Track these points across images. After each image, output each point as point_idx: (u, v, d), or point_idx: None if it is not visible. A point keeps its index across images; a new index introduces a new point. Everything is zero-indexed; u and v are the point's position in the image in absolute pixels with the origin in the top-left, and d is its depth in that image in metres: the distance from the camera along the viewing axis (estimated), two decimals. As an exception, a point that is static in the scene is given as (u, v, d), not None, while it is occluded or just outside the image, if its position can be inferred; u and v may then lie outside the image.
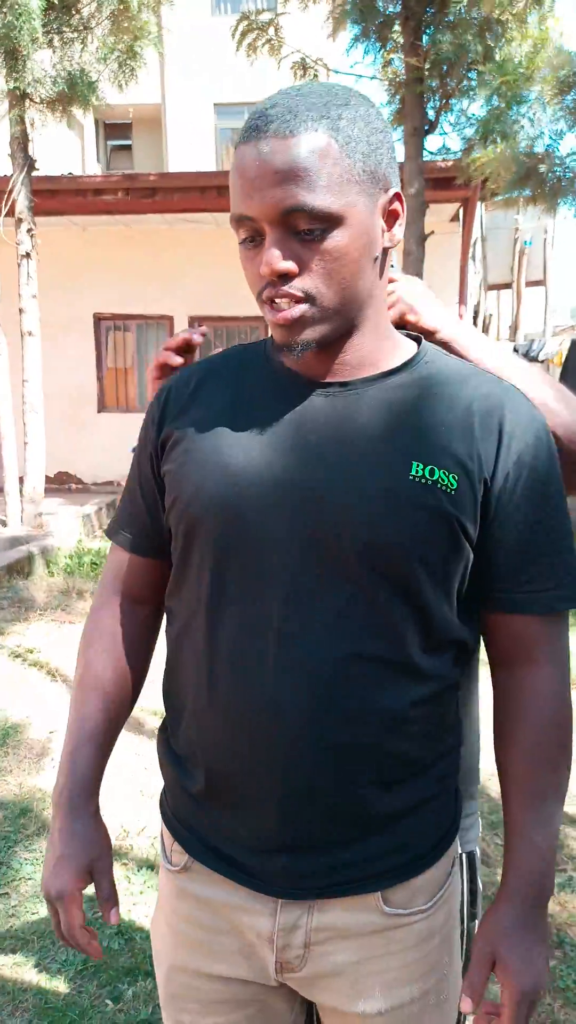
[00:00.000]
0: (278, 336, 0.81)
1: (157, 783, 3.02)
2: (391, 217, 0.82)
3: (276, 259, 0.76)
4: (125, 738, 3.31)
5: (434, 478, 0.79)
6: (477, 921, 1.12)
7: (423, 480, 0.79)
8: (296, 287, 0.77)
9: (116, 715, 0.98)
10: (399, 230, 0.83)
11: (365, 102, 0.80)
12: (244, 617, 0.83)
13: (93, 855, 0.92)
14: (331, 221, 0.75)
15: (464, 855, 1.10)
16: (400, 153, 6.38)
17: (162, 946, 0.97)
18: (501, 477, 0.82)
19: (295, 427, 0.83)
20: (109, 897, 0.92)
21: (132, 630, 0.99)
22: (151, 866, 2.43)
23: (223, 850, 0.89)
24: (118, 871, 2.40)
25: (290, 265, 0.76)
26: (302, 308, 0.78)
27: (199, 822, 0.91)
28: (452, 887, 0.94)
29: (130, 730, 3.39)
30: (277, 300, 0.78)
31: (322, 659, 0.80)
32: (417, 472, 0.79)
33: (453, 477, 0.80)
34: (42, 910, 2.22)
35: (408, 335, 0.93)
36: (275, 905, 0.87)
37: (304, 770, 0.82)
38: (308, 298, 0.78)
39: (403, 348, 0.88)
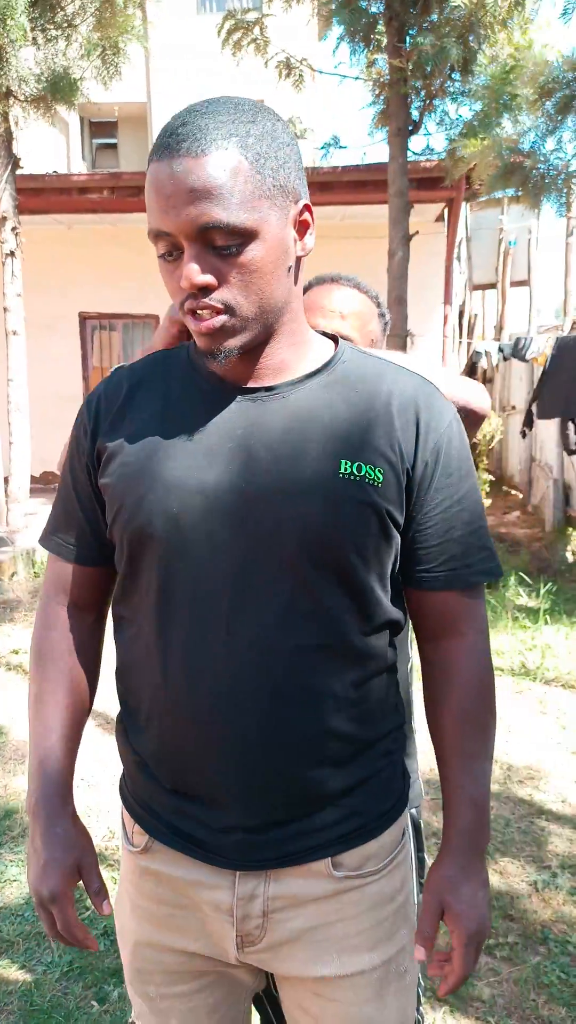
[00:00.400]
0: (202, 344, 0.84)
1: (143, 784, 2.99)
2: (302, 227, 0.86)
3: (195, 273, 0.79)
4: (108, 740, 3.30)
5: (361, 474, 0.84)
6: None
7: (351, 477, 0.84)
8: (216, 299, 0.81)
9: (77, 721, 1.00)
10: (310, 239, 0.87)
11: (271, 116, 0.83)
12: (193, 619, 0.86)
13: (78, 854, 0.95)
14: (246, 236, 0.79)
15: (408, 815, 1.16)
16: (385, 153, 6.40)
17: (127, 923, 1.00)
18: (420, 466, 0.88)
19: (226, 433, 0.86)
20: (99, 891, 0.95)
21: (81, 638, 1.01)
22: (137, 867, 2.43)
23: (182, 829, 0.92)
24: (105, 873, 2.39)
25: (208, 279, 0.80)
26: (223, 319, 0.81)
27: (158, 805, 0.95)
28: (404, 855, 0.99)
29: (112, 734, 3.38)
30: (198, 311, 0.81)
31: (271, 651, 0.85)
32: (345, 469, 0.84)
33: (379, 471, 0.85)
34: (27, 913, 2.21)
35: (324, 334, 0.97)
36: (233, 878, 0.91)
37: (258, 757, 0.86)
38: (228, 309, 0.81)
39: (321, 350, 0.93)
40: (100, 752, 3.18)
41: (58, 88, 6.39)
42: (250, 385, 0.88)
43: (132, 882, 0.99)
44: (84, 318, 9.28)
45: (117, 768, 3.01)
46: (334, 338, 0.96)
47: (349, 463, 0.84)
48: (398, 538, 0.89)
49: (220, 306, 0.81)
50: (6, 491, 6.60)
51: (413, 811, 1.23)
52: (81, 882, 0.95)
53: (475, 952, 0.90)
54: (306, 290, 1.27)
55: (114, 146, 16.50)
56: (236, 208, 0.78)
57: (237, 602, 0.85)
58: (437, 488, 0.89)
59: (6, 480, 6.64)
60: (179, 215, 0.78)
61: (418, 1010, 1.26)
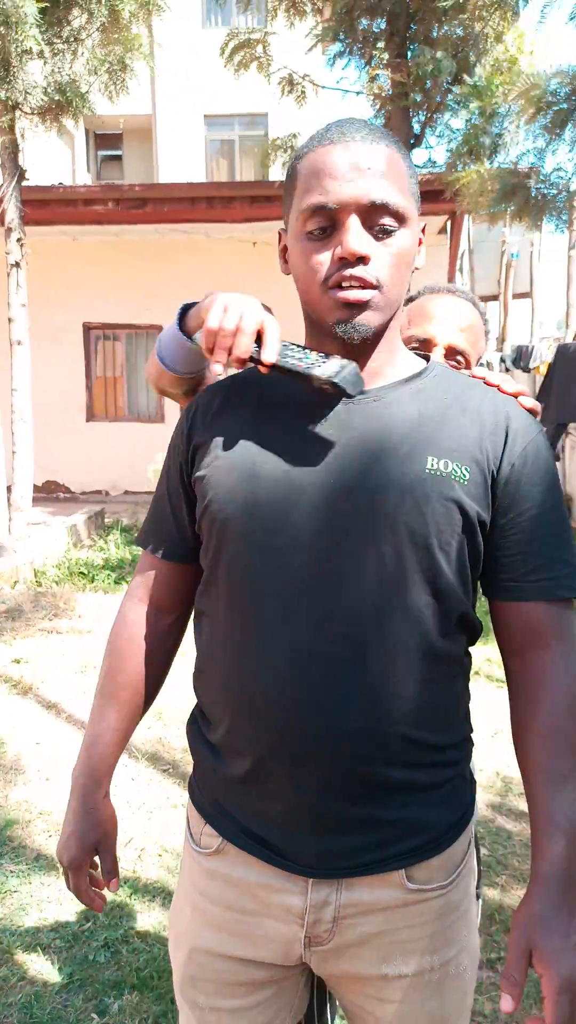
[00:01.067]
0: (342, 316, 0.86)
1: (144, 795, 3.01)
2: (419, 243, 0.93)
3: (362, 242, 0.84)
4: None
5: (448, 471, 0.86)
6: (480, 902, 1.19)
7: (438, 473, 0.86)
8: (370, 273, 0.85)
9: (131, 716, 1.07)
10: (422, 256, 0.94)
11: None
12: (276, 612, 0.88)
13: (100, 833, 1.05)
14: (403, 221, 0.86)
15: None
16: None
17: (184, 929, 1.01)
18: (507, 468, 0.89)
19: (317, 431, 0.90)
20: (111, 870, 1.06)
21: (156, 640, 1.06)
22: (137, 878, 2.42)
23: (257, 832, 0.93)
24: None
25: (369, 250, 0.84)
26: (371, 293, 0.85)
27: (233, 805, 0.96)
28: (468, 866, 0.99)
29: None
30: (347, 283, 0.84)
31: (354, 647, 0.86)
32: (432, 466, 0.86)
33: (465, 469, 0.87)
34: (27, 923, 2.20)
35: (418, 354, 1.02)
36: (306, 884, 0.92)
37: (338, 755, 0.87)
38: (378, 284, 0.85)
39: (412, 362, 0.98)
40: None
41: (65, 101, 6.45)
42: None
43: (196, 885, 1.00)
44: (88, 328, 9.33)
45: (118, 778, 3.01)
46: (426, 356, 1.02)
47: (436, 459, 0.86)
48: (481, 541, 0.89)
49: (373, 280, 0.85)
50: (9, 500, 6.62)
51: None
52: (97, 858, 1.05)
53: (572, 1000, 0.79)
54: (412, 299, 1.26)
55: (119, 158, 16.62)
56: (398, 194, 0.85)
57: (321, 596, 0.86)
58: (524, 495, 0.89)
59: (9, 489, 6.66)
60: (350, 189, 0.83)
61: None
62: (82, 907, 2.28)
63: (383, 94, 6.66)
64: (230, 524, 0.90)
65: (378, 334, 0.91)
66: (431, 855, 0.93)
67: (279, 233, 0.98)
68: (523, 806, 2.86)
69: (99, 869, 1.08)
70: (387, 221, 0.85)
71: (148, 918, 2.24)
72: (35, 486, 7.37)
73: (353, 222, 0.84)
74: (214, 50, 7.70)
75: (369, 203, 0.84)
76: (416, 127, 6.61)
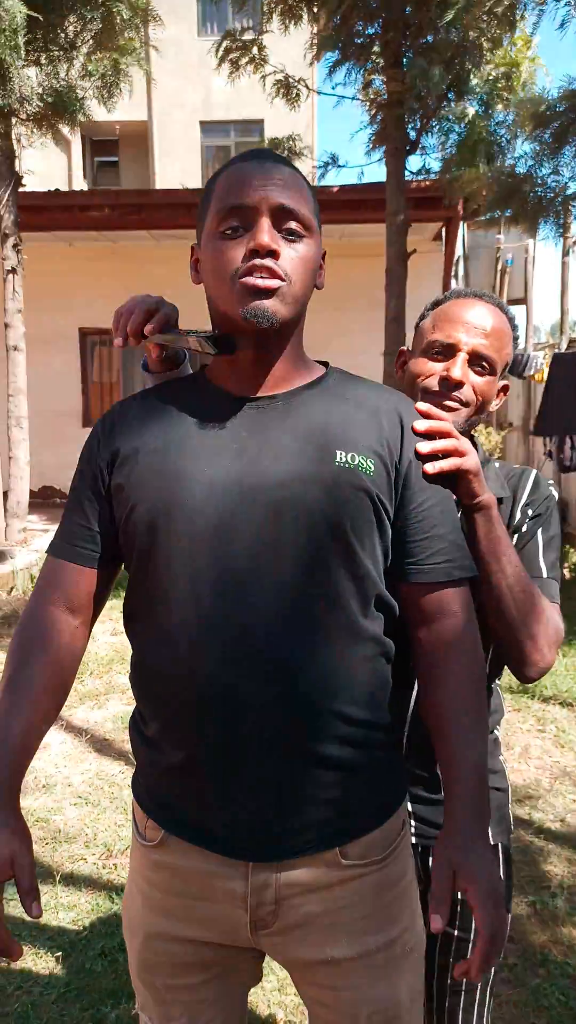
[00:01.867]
0: (251, 304, 0.92)
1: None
2: (321, 267, 1.01)
3: (272, 237, 0.92)
4: (109, 757, 3.29)
5: (355, 463, 0.93)
6: (508, 915, 1.24)
7: (346, 465, 0.93)
8: (279, 266, 0.92)
9: (41, 720, 1.00)
10: (322, 279, 1.02)
11: None
12: (206, 605, 0.92)
13: (14, 850, 0.91)
14: (308, 231, 0.96)
15: (499, 846, 1.23)
16: (382, 173, 6.46)
17: (136, 917, 1.05)
18: (406, 462, 0.98)
19: (232, 434, 0.96)
20: (29, 891, 0.90)
21: (66, 639, 1.03)
22: (135, 886, 2.41)
23: (194, 821, 0.97)
24: (100, 892, 2.38)
25: (278, 246, 0.92)
26: (279, 282, 0.93)
27: (171, 796, 0.99)
28: (403, 842, 1.04)
29: (114, 750, 3.37)
30: (256, 272, 0.91)
31: (282, 631, 0.91)
32: (341, 459, 0.93)
33: (370, 461, 0.95)
34: (23, 930, 2.19)
35: (317, 361, 1.08)
36: (246, 869, 0.95)
37: (272, 735, 0.91)
38: (286, 277, 0.93)
39: (314, 369, 1.06)
40: (102, 768, 3.16)
41: (60, 107, 6.46)
42: (254, 395, 0.99)
43: (144, 876, 1.03)
44: (84, 334, 9.33)
45: (116, 789, 2.99)
46: (324, 363, 1.09)
47: (344, 453, 0.94)
48: (389, 527, 0.97)
49: (281, 272, 0.92)
50: (5, 506, 6.61)
51: (504, 841, 1.24)
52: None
53: (495, 911, 0.89)
54: (439, 303, 1.26)
55: (115, 164, 16.64)
56: (306, 209, 0.96)
57: (248, 585, 0.91)
58: (424, 486, 0.99)
59: (5, 495, 6.65)
60: (266, 192, 0.92)
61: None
62: (79, 916, 2.27)
63: (378, 99, 6.69)
64: (156, 525, 0.94)
65: (284, 329, 0.96)
66: (363, 834, 0.97)
67: (191, 248, 1.06)
68: (520, 812, 2.86)
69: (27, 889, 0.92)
70: (294, 226, 0.94)
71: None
72: (31, 492, 7.35)
73: (264, 221, 0.93)
74: (209, 57, 7.72)
75: (278, 205, 0.93)
76: (412, 134, 6.63)
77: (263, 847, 0.95)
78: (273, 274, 0.92)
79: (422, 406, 1.05)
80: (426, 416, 1.03)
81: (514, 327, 1.25)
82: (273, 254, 0.92)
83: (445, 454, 1.02)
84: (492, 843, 1.23)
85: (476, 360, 1.18)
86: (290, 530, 0.91)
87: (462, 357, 1.17)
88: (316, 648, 0.92)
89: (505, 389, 1.27)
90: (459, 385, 1.16)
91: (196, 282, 1.04)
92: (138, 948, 1.04)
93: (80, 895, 2.37)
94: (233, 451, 0.94)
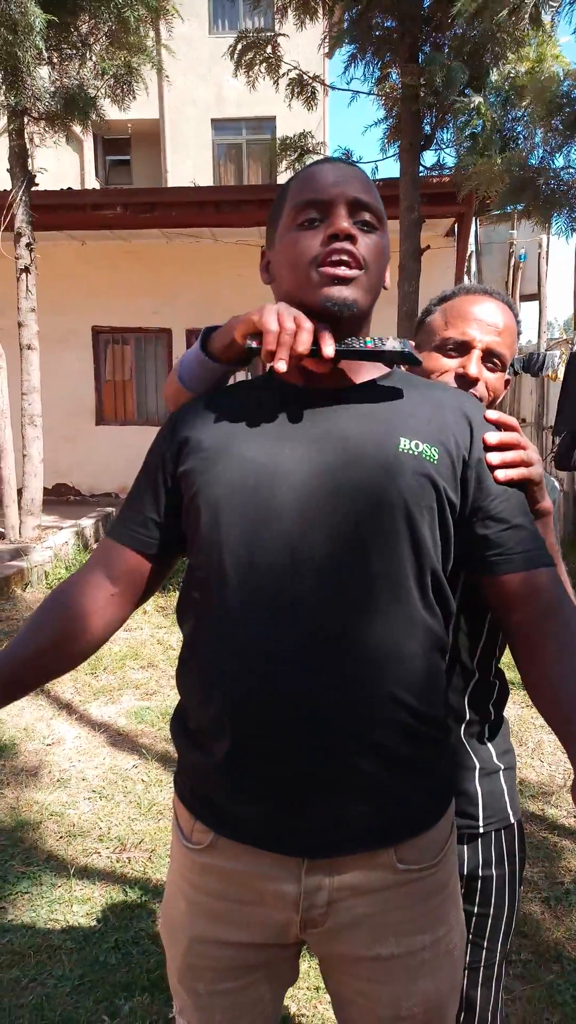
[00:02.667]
0: (330, 291, 0.95)
1: (155, 796, 3.01)
2: (386, 267, 1.03)
3: (350, 223, 0.95)
4: (123, 752, 3.30)
5: (418, 450, 0.94)
6: (521, 888, 1.29)
7: (410, 451, 0.94)
8: (357, 250, 0.95)
9: (52, 656, 1.02)
10: (388, 280, 1.04)
11: None
12: (267, 589, 0.91)
13: None
14: (380, 224, 0.99)
15: (516, 823, 1.26)
16: (395, 169, 6.44)
17: (181, 921, 1.03)
18: (476, 455, 0.98)
19: (297, 421, 0.97)
20: None
21: (98, 604, 1.04)
22: (147, 880, 2.42)
23: (248, 820, 0.95)
24: (114, 886, 2.39)
25: (356, 230, 0.96)
26: (357, 272, 0.95)
27: (220, 794, 0.97)
28: (452, 845, 1.04)
29: (128, 745, 3.39)
30: (336, 256, 0.94)
31: (341, 613, 0.90)
32: (404, 446, 0.94)
33: (434, 450, 0.95)
34: (38, 924, 2.21)
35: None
36: (299, 870, 0.94)
37: (329, 719, 0.90)
38: (363, 265, 0.96)
39: (378, 366, 1.06)
40: (115, 763, 3.18)
41: (74, 106, 6.48)
42: (322, 387, 1.01)
43: (189, 880, 1.02)
44: (97, 332, 9.36)
45: (129, 783, 3.01)
46: (389, 363, 1.08)
47: (407, 440, 0.94)
48: (451, 520, 0.96)
49: (360, 257, 0.95)
50: (19, 503, 6.65)
51: (519, 817, 1.29)
52: None
53: None
54: (447, 298, 1.28)
55: (127, 162, 16.69)
56: (376, 203, 0.99)
57: (308, 567, 0.91)
58: (487, 481, 0.98)
59: (20, 492, 6.69)
60: (343, 187, 0.96)
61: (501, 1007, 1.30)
62: (93, 909, 2.29)
63: (394, 94, 6.65)
64: (218, 508, 0.94)
65: (360, 317, 0.99)
66: (418, 832, 0.97)
67: (262, 251, 1.08)
68: (533, 807, 2.85)
69: None
70: (368, 217, 0.98)
71: (159, 919, 2.24)
72: (45, 489, 7.39)
73: (341, 209, 0.96)
74: (221, 55, 7.72)
75: (354, 198, 0.96)
76: (427, 129, 6.60)
77: (318, 841, 0.93)
78: (353, 258, 0.95)
79: (492, 414, 1.04)
80: (497, 424, 1.03)
81: (518, 323, 1.28)
82: (351, 238, 0.95)
83: (515, 464, 1.01)
84: (512, 821, 1.25)
85: (489, 357, 1.20)
86: (352, 513, 0.92)
87: (477, 354, 1.19)
88: (374, 633, 0.91)
89: (507, 384, 1.30)
90: (475, 382, 1.17)
91: (266, 282, 1.07)
92: (181, 953, 1.02)
93: (94, 889, 2.39)
94: (298, 438, 0.96)
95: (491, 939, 1.25)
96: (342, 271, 0.94)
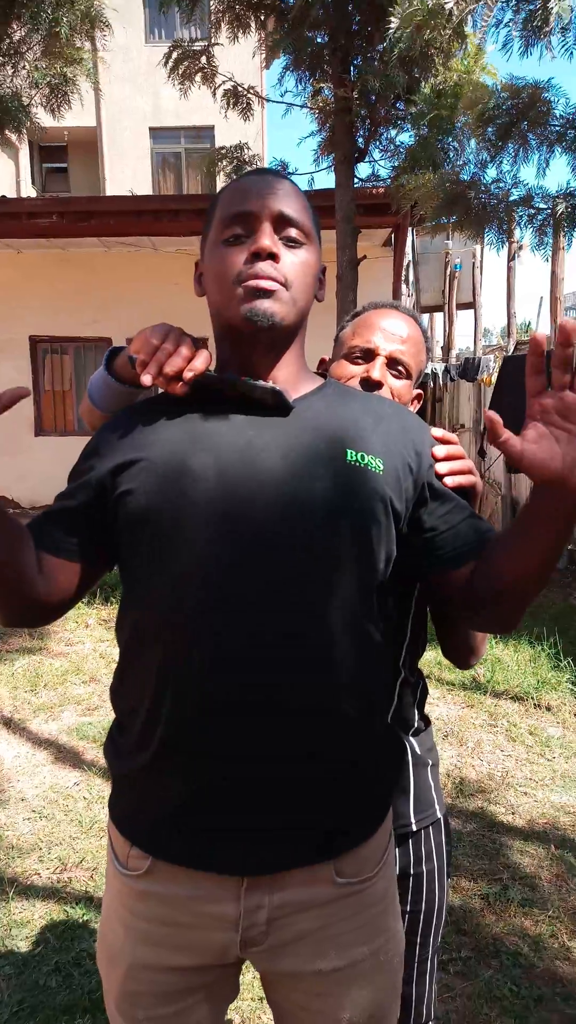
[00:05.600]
0: (251, 305, 0.95)
1: (96, 814, 2.97)
2: (319, 282, 1.04)
3: (273, 241, 0.96)
4: (65, 769, 3.25)
5: (364, 462, 0.95)
6: (449, 881, 1.34)
7: (357, 463, 0.95)
8: (278, 270, 0.96)
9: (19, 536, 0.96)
10: (323, 292, 1.05)
11: None
12: (209, 605, 0.91)
13: None
14: (307, 239, 0.99)
15: (442, 817, 1.31)
16: (331, 180, 6.53)
17: (119, 948, 1.01)
18: (421, 465, 1.01)
19: (241, 433, 0.96)
20: None
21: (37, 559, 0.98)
22: (90, 898, 2.39)
23: (186, 841, 0.94)
24: (55, 907, 2.35)
25: (280, 250, 0.96)
26: (278, 286, 0.96)
27: (157, 816, 0.96)
28: (388, 856, 1.05)
29: (69, 762, 3.33)
30: (258, 277, 0.94)
31: (292, 623, 0.91)
32: (352, 458, 0.95)
33: (379, 461, 0.96)
34: (-24, 951, 2.16)
35: (315, 372, 1.08)
36: (239, 890, 0.93)
37: (270, 733, 0.90)
38: (284, 283, 0.96)
39: (314, 378, 1.08)
40: (56, 782, 3.13)
41: (6, 115, 6.38)
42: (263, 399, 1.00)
43: (126, 906, 1.00)
44: (35, 342, 9.21)
45: (71, 801, 2.96)
46: (322, 374, 1.11)
47: (354, 452, 0.95)
48: (394, 527, 0.97)
49: (280, 277, 0.96)
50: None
51: (445, 812, 1.33)
52: None
53: None
54: (358, 313, 1.33)
55: (65, 170, 16.48)
56: (306, 219, 1.00)
57: (253, 584, 0.90)
58: (438, 487, 1.02)
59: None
60: (269, 201, 0.97)
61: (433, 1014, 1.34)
62: (33, 931, 2.25)
63: (328, 107, 6.75)
64: (161, 523, 0.92)
65: (284, 333, 0.98)
66: (358, 844, 0.97)
67: (195, 263, 1.08)
68: (472, 806, 2.91)
69: None
70: (293, 233, 0.98)
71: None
72: (-17, 503, 7.21)
73: (265, 226, 0.96)
74: (157, 64, 7.71)
75: (279, 212, 0.96)
76: (361, 141, 6.71)
77: (258, 859, 0.93)
78: (274, 279, 0.95)
79: (437, 432, 1.09)
80: (442, 441, 1.08)
81: (427, 337, 1.34)
82: (273, 257, 0.95)
83: (461, 472, 1.07)
84: (438, 817, 1.29)
85: (393, 364, 1.25)
86: (299, 525, 0.92)
87: (381, 360, 1.23)
88: (319, 644, 0.92)
89: (419, 397, 1.35)
90: (379, 386, 1.21)
91: (199, 294, 1.07)
92: (120, 980, 1.00)
93: (34, 911, 2.34)
94: (240, 447, 0.94)
95: (423, 935, 1.28)
96: (263, 284, 0.94)
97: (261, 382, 0.97)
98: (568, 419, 0.84)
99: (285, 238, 0.97)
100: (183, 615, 0.91)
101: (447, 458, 1.06)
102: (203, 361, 0.99)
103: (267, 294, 0.94)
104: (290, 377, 1.02)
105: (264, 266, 0.94)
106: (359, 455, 0.95)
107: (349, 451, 0.95)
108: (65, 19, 6.04)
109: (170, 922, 0.96)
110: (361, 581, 0.95)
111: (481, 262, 10.03)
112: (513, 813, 2.90)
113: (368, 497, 0.94)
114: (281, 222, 0.97)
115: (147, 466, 0.95)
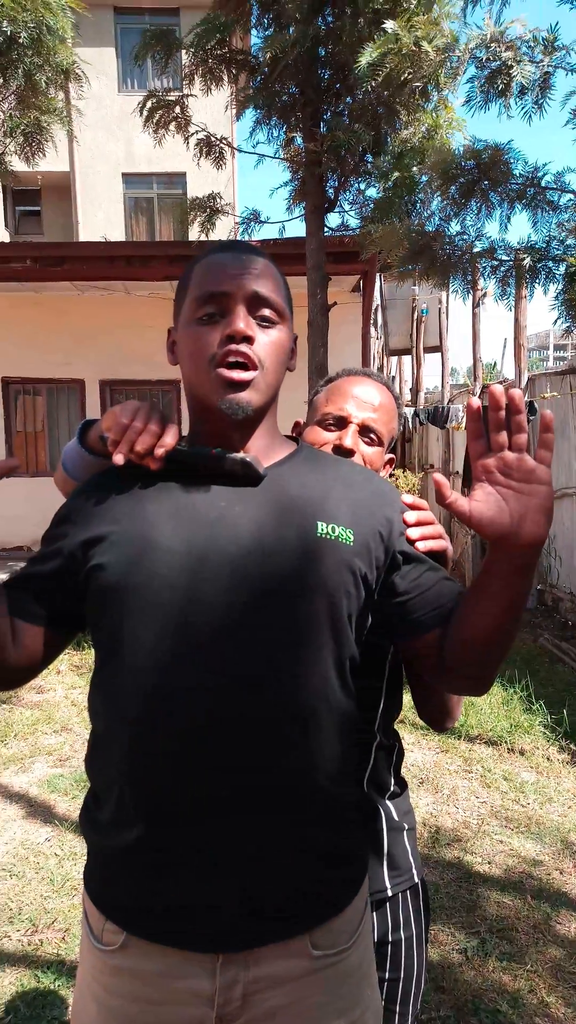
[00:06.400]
0: (226, 395, 0.96)
1: (67, 872, 2.91)
2: (292, 352, 1.06)
3: (247, 323, 0.97)
4: (35, 824, 3.18)
5: (335, 534, 0.96)
6: (428, 945, 1.33)
7: (327, 536, 0.96)
8: (253, 352, 0.97)
9: None
10: (295, 362, 1.07)
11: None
12: (181, 677, 0.91)
13: None
14: (280, 318, 1.01)
15: (420, 881, 1.31)
16: (302, 229, 6.69)
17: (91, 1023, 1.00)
18: (391, 532, 1.01)
19: (212, 504, 0.97)
20: None
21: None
22: (61, 962, 2.33)
23: (162, 918, 0.94)
24: (25, 972, 2.29)
25: (253, 332, 0.97)
26: (253, 373, 0.97)
27: (132, 891, 0.95)
28: (365, 925, 1.05)
29: (40, 817, 3.26)
30: (232, 360, 0.95)
31: (260, 702, 0.91)
32: (322, 531, 0.96)
33: (349, 532, 0.97)
34: (-57, 1022, 2.08)
35: (288, 436, 1.12)
36: (214, 966, 0.93)
37: (245, 810, 0.91)
38: (259, 365, 0.97)
39: (286, 444, 1.09)
40: (27, 837, 3.06)
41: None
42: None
43: (100, 982, 0.99)
44: (7, 382, 9.20)
45: (41, 858, 2.90)
46: (295, 438, 1.15)
47: (324, 524, 0.96)
48: (364, 595, 0.98)
49: (256, 359, 0.97)
50: None
51: (422, 876, 1.33)
52: None
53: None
54: (332, 380, 1.36)
55: (38, 213, 16.64)
56: (279, 298, 1.01)
57: (223, 659, 0.91)
58: (409, 552, 1.02)
59: None
60: (242, 282, 0.97)
61: None
62: (3, 999, 2.18)
63: (299, 158, 6.94)
64: (126, 596, 0.93)
65: (258, 414, 1.01)
66: (332, 915, 0.97)
67: (168, 331, 1.09)
68: (449, 855, 2.90)
69: None
70: (267, 313, 0.99)
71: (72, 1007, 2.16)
72: (-49, 545, 7.12)
73: (240, 308, 0.97)
74: (130, 111, 7.88)
75: (253, 293, 0.97)
76: (330, 192, 6.91)
77: (233, 935, 0.92)
78: (248, 361, 0.96)
79: (408, 499, 1.12)
80: (412, 507, 1.10)
81: (399, 404, 1.38)
82: (248, 340, 0.96)
83: (432, 537, 1.09)
84: (415, 882, 1.29)
85: (365, 432, 1.28)
86: (267, 600, 0.92)
87: (353, 428, 1.26)
88: (290, 720, 0.92)
89: (391, 462, 1.38)
90: (350, 453, 1.24)
91: (172, 363, 1.08)
92: None
93: (4, 976, 2.27)
94: (211, 521, 0.95)
95: (403, 1003, 1.27)
96: (237, 375, 0.95)
97: (232, 454, 0.99)
98: (510, 477, 0.88)
99: (259, 318, 0.98)
100: (151, 692, 0.92)
101: (417, 523, 1.08)
102: (172, 436, 1.00)
103: (243, 386, 0.96)
104: (263, 447, 1.03)
105: (239, 347, 0.96)
106: (330, 527, 0.96)
107: (320, 523, 0.96)
108: (40, 72, 6.16)
109: (144, 999, 0.96)
110: (333, 653, 0.95)
111: (447, 307, 10.30)
112: (489, 863, 2.89)
113: (338, 570, 0.95)
114: (255, 302, 0.98)
115: (118, 540, 0.96)
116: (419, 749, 3.87)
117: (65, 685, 4.93)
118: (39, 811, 3.30)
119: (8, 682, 1.04)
